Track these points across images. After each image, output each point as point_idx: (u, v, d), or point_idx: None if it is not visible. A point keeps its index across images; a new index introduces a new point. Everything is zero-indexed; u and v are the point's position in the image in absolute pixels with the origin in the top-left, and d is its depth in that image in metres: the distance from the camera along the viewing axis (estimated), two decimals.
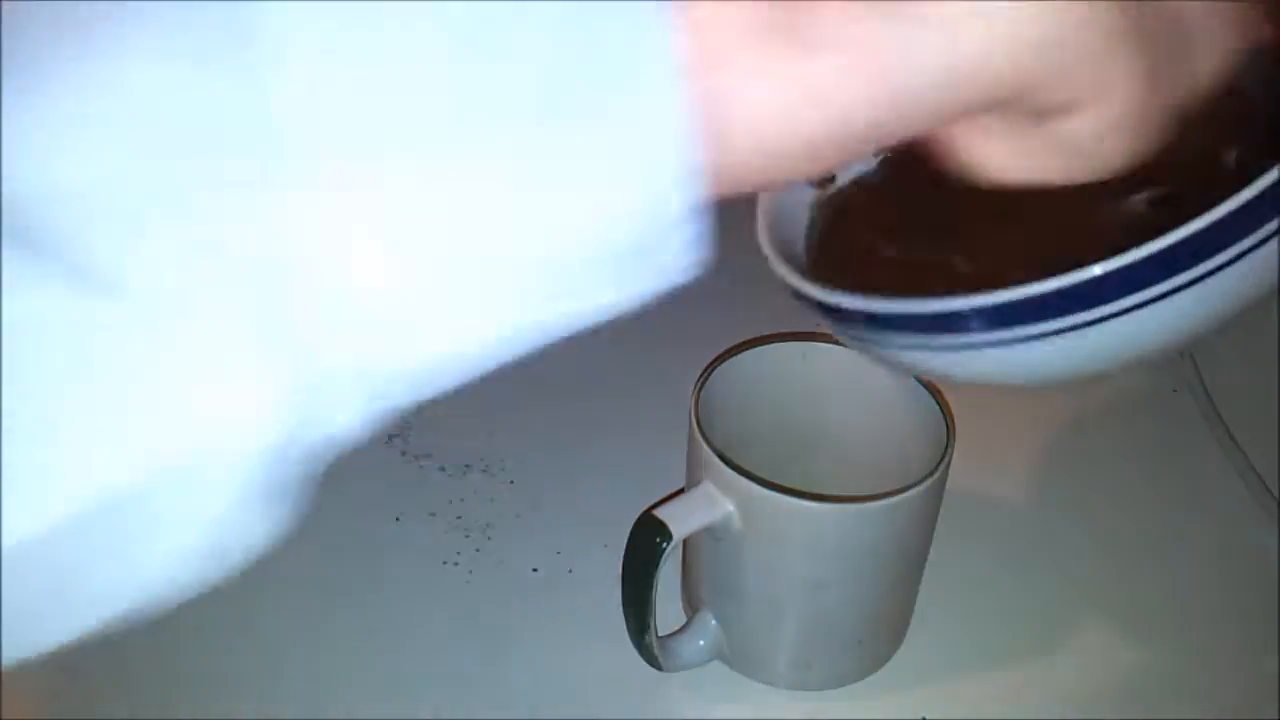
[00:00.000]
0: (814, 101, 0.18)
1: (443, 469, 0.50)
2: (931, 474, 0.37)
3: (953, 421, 0.38)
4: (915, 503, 0.37)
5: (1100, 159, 0.22)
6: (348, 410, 0.18)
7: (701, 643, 0.41)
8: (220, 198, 0.16)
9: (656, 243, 0.18)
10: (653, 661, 0.39)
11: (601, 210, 0.17)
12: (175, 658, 0.41)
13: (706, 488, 0.38)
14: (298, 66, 0.16)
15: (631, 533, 0.37)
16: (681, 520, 0.37)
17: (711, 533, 0.38)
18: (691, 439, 0.39)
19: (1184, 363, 0.56)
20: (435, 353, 0.18)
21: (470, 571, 0.45)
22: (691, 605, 0.43)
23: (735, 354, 0.41)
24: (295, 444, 0.17)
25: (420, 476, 0.49)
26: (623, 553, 0.38)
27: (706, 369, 0.41)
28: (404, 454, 0.50)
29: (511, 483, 0.49)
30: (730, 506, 0.37)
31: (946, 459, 0.37)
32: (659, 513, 0.37)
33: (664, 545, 0.36)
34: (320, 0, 0.16)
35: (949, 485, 0.48)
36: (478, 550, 0.46)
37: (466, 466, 0.50)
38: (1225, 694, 0.41)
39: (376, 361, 0.17)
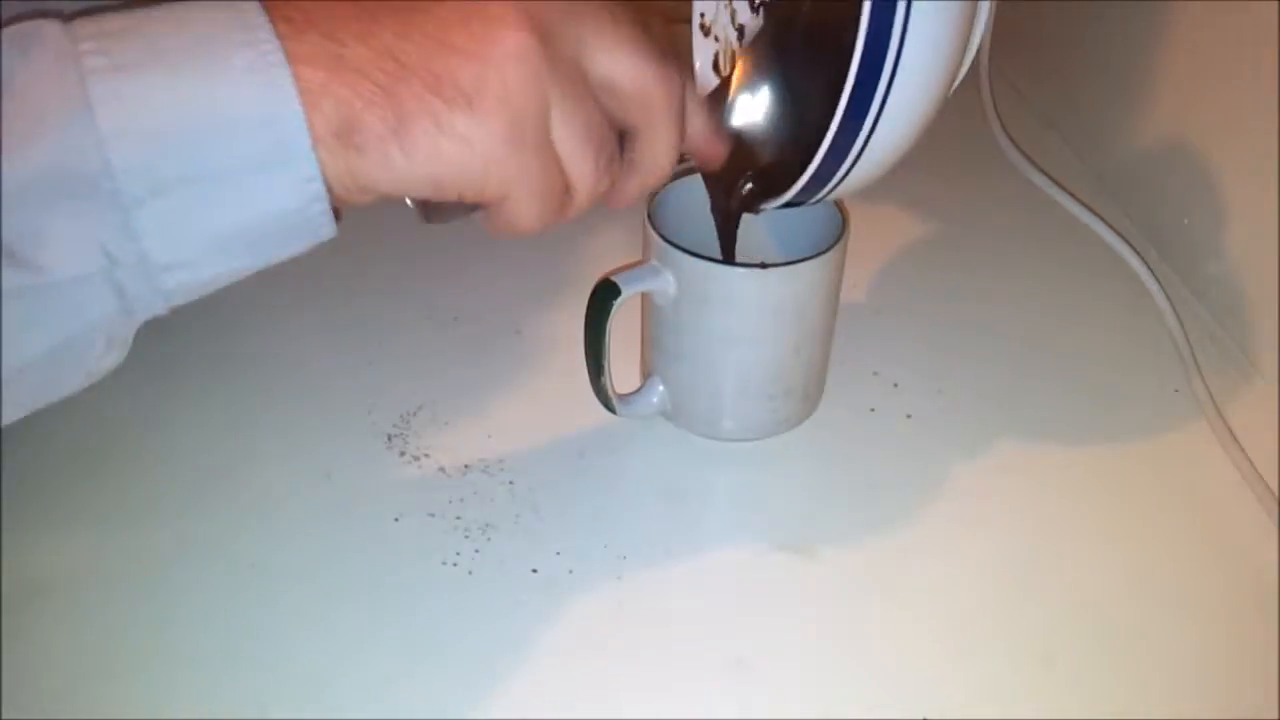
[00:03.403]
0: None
1: (442, 469, 0.50)
2: (825, 251, 0.46)
3: (847, 218, 0.48)
4: (810, 271, 0.46)
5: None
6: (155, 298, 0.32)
7: (654, 399, 0.51)
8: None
9: (304, 227, 0.32)
10: (607, 404, 0.49)
11: (277, 209, 0.32)
12: (174, 658, 0.41)
13: (651, 261, 0.48)
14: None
15: (591, 293, 0.47)
16: (629, 282, 0.47)
17: (655, 298, 0.48)
18: (644, 229, 0.48)
19: (1184, 363, 0.56)
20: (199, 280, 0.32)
21: (470, 572, 0.45)
22: (645, 374, 0.52)
23: (681, 177, 0.49)
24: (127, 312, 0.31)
25: (420, 476, 0.49)
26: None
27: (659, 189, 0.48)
28: (403, 454, 0.50)
29: (511, 483, 0.49)
30: (669, 274, 0.47)
31: (842, 243, 0.47)
32: (613, 276, 0.47)
33: (614, 300, 0.46)
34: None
35: (952, 494, 0.48)
36: (477, 551, 0.46)
37: (466, 466, 0.50)
38: (1225, 694, 0.41)
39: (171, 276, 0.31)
